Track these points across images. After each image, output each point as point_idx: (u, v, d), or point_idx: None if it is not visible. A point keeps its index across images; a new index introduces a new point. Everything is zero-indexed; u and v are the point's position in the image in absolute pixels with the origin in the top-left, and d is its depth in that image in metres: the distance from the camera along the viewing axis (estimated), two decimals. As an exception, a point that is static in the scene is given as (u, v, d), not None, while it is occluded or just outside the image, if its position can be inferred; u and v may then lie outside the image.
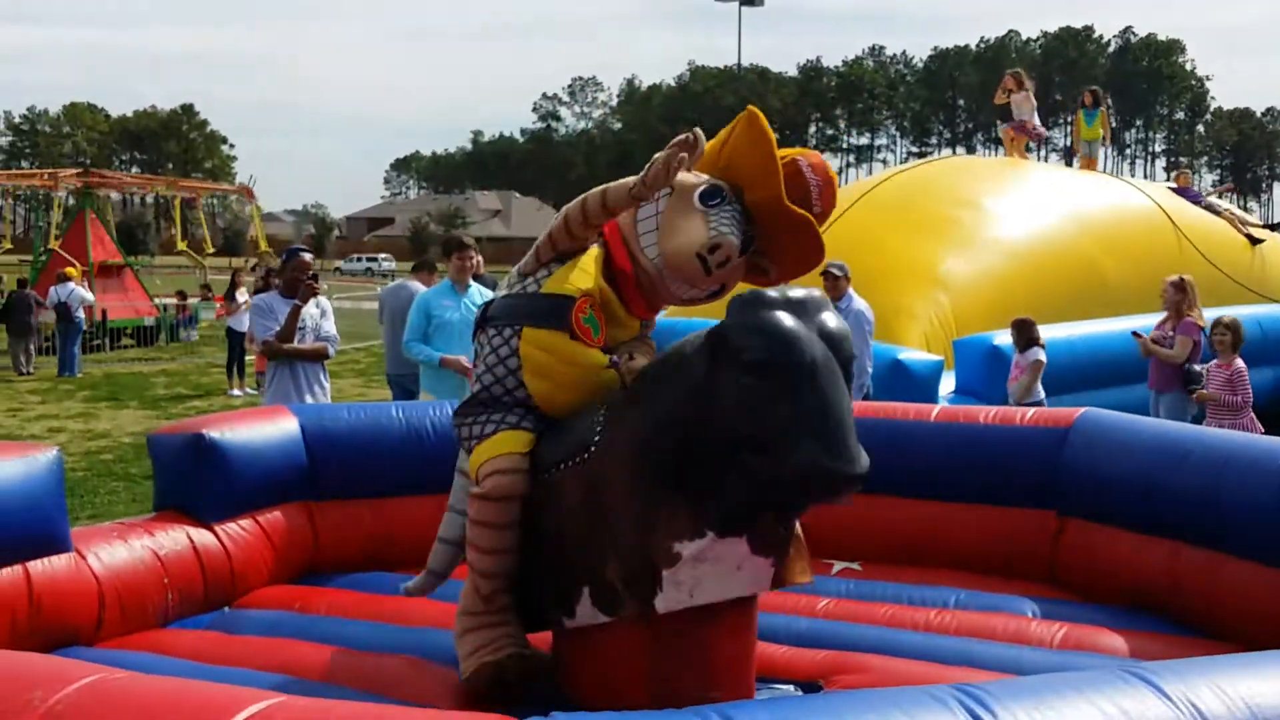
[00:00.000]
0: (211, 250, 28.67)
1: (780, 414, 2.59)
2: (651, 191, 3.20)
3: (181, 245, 28.73)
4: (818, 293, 2.85)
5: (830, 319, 2.76)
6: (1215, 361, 7.39)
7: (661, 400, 2.92)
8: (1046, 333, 8.49)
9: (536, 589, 3.38)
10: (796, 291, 2.80)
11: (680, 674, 3.05)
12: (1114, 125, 15.95)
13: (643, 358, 3.32)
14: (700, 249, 3.15)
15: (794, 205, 3.22)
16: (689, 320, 10.44)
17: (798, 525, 3.16)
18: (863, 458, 2.62)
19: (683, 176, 3.27)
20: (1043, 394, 7.95)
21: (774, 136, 3.27)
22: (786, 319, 2.66)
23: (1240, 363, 7.25)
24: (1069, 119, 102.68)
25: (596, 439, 3.10)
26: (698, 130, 3.13)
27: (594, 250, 3.39)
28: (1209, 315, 7.90)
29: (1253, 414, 7.19)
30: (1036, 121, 13.72)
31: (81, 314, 17.68)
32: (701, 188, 3.25)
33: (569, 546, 3.17)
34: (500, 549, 3.30)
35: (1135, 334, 8.14)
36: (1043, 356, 8.00)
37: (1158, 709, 1.86)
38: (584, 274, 3.33)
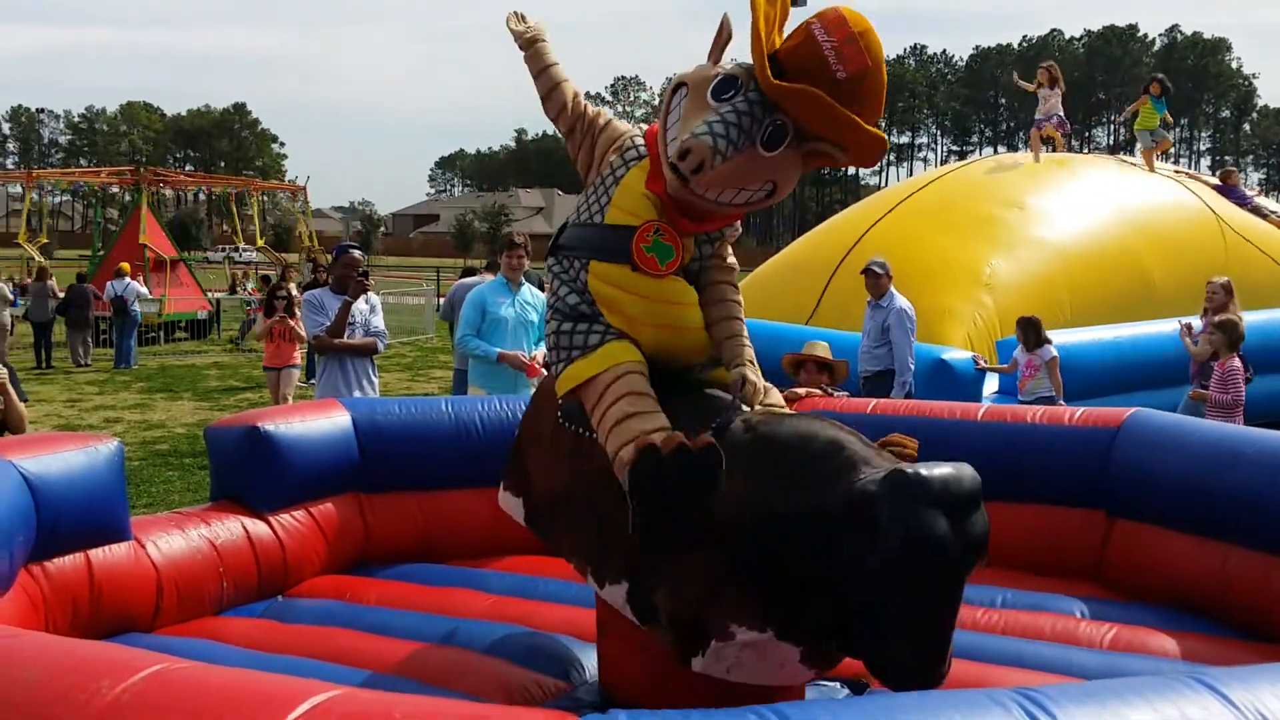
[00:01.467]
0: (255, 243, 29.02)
1: (896, 612, 2.50)
2: (519, 33, 3.35)
3: (260, 242, 29.18)
4: (977, 481, 2.56)
5: (981, 520, 2.55)
6: (1216, 361, 7.55)
7: (773, 505, 2.74)
8: (1095, 334, 8.49)
9: (574, 525, 3.27)
10: (961, 482, 2.52)
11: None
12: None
13: (766, 386, 3.12)
14: (672, 156, 2.84)
15: (793, 84, 2.79)
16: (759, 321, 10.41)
17: None
18: (945, 670, 2.55)
19: (700, 70, 2.98)
20: (1057, 392, 8.04)
21: (764, 9, 2.84)
22: (942, 526, 2.45)
23: (1236, 362, 7.39)
24: (1111, 118, 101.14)
25: None
26: None
27: (643, 163, 3.11)
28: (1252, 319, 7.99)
29: (1241, 415, 7.25)
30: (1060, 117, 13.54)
31: (137, 307, 17.98)
32: (715, 80, 2.91)
33: (623, 535, 2.97)
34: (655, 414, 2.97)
35: (1181, 323, 8.30)
36: (1056, 353, 8.17)
37: (1223, 716, 1.83)
38: (637, 197, 3.08)
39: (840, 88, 2.79)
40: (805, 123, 2.87)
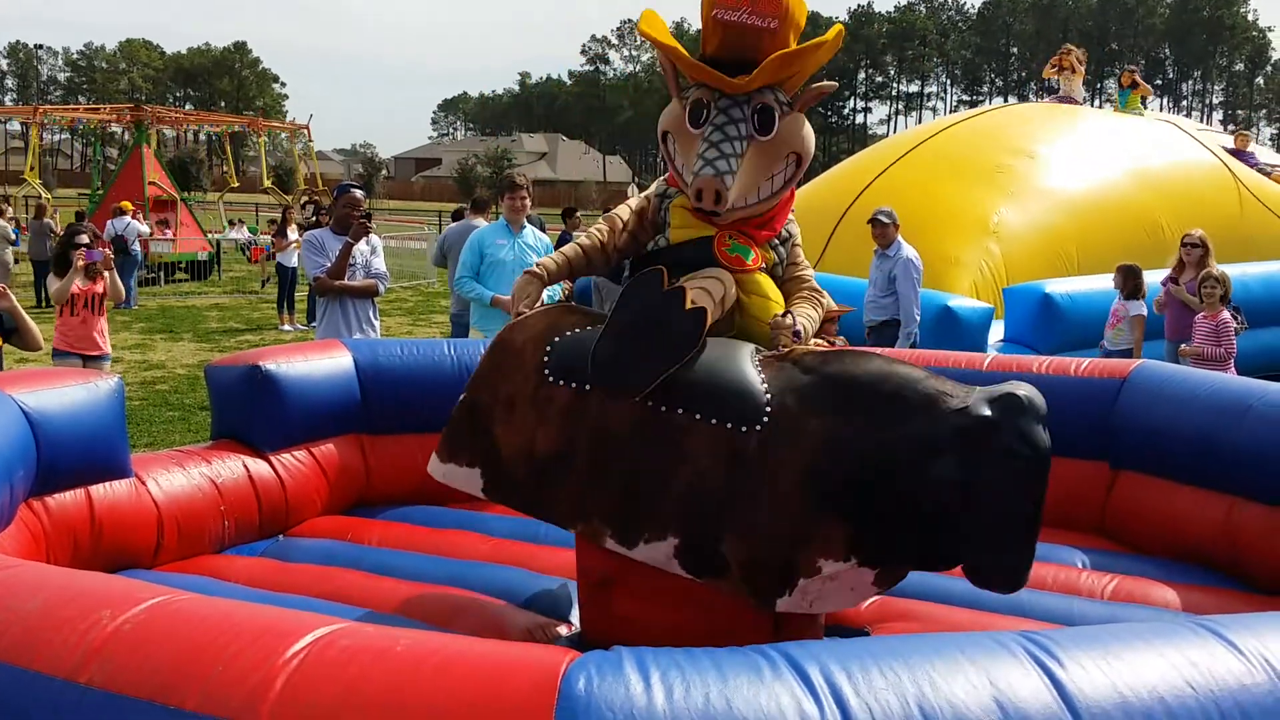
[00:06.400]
0: (234, 185, 28.80)
1: (1018, 519, 2.79)
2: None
3: (267, 182, 28.82)
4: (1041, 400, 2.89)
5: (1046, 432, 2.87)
6: (1202, 314, 7.48)
7: (869, 435, 2.86)
8: (1102, 282, 8.44)
9: (583, 485, 3.11)
10: (1039, 398, 2.85)
11: (803, 624, 3.09)
12: (1151, 95, 15.53)
13: (804, 314, 3.25)
14: (694, 203, 3.10)
15: (757, 72, 3.03)
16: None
17: None
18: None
19: (669, 111, 3.24)
20: (1136, 349, 7.95)
21: (665, 35, 3.06)
22: (1043, 433, 2.81)
23: (1226, 315, 7.33)
24: (1123, 67, 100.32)
25: (764, 422, 2.93)
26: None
27: (680, 198, 3.29)
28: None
29: (1234, 367, 7.21)
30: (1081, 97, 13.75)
31: (138, 247, 17.89)
32: (687, 113, 3.17)
33: (665, 490, 2.99)
34: None
35: (1171, 281, 8.24)
36: (1145, 310, 8.04)
37: (1229, 662, 1.82)
38: (687, 217, 3.26)
39: (778, 34, 3.05)
40: (789, 85, 3.15)
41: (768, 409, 2.93)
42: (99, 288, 7.06)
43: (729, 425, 2.94)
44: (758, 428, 2.92)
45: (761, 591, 2.92)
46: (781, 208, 3.37)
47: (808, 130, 3.25)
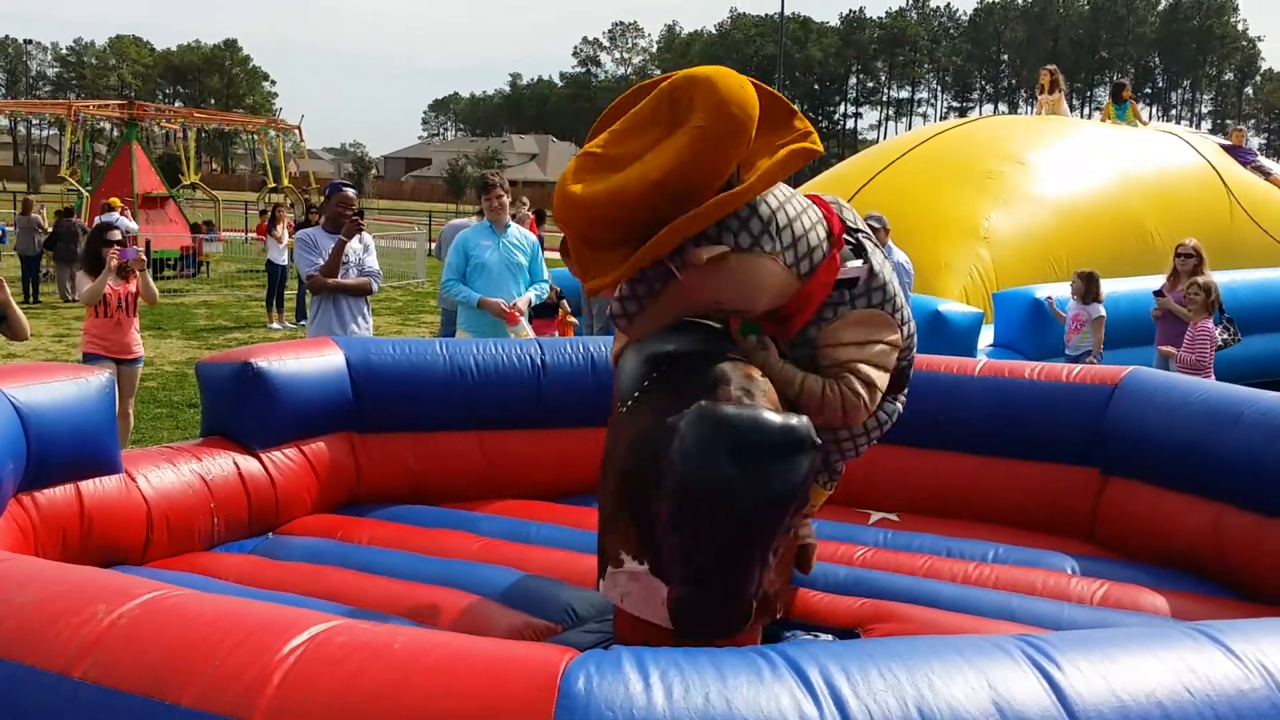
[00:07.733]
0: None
1: (680, 550, 2.45)
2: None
3: (285, 181, 28.60)
4: (793, 431, 2.36)
5: (787, 473, 2.33)
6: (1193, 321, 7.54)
7: (642, 437, 2.75)
8: (1107, 287, 8.51)
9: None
10: (768, 430, 2.35)
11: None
12: (1146, 123, 15.36)
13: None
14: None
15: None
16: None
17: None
18: (738, 628, 2.47)
19: None
20: (1096, 350, 8.01)
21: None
22: (723, 469, 2.30)
23: (1208, 324, 7.38)
24: (1114, 76, 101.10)
25: (628, 404, 2.99)
26: None
27: None
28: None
29: (1211, 376, 7.21)
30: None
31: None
32: None
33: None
34: None
35: (1156, 294, 8.23)
36: (1104, 312, 8.12)
37: (1226, 668, 1.83)
38: None
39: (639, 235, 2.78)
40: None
41: (636, 392, 2.98)
42: (132, 287, 6.87)
43: (619, 407, 3.09)
44: (624, 408, 3.02)
45: (599, 572, 2.99)
46: (801, 309, 3.08)
47: (736, 279, 2.84)
